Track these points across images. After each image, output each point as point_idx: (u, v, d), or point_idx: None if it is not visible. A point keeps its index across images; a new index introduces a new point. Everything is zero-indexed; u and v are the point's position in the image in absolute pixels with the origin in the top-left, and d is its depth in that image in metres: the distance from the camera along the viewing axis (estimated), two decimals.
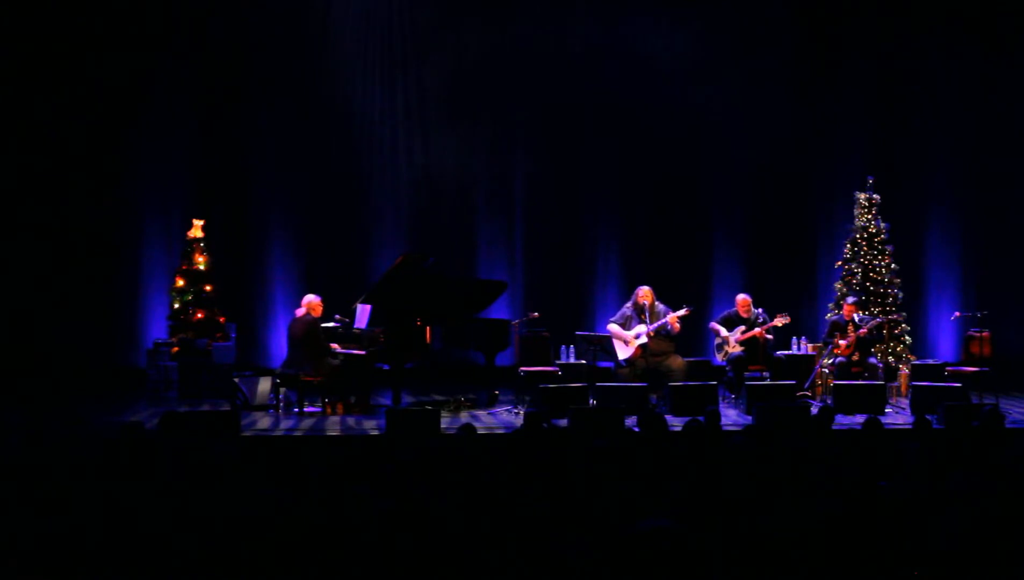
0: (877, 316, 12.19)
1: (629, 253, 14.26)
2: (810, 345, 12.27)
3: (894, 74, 14.37)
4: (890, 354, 12.55)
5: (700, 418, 7.63)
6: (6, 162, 13.09)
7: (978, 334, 12.04)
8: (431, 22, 14.02)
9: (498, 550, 4.82)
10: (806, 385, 11.62)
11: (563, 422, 9.68)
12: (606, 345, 11.56)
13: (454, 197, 14.11)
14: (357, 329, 11.24)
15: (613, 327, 11.56)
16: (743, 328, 11.62)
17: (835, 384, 11.09)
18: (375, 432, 9.66)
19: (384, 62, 14.02)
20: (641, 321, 11.38)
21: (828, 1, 14.34)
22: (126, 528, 5.04)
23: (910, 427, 9.22)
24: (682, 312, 11.38)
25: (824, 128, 14.38)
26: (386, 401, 11.21)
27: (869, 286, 12.65)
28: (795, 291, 13.83)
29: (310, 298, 10.99)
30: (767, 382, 11.24)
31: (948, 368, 11.99)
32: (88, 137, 13.23)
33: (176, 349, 12.02)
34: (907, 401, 11.37)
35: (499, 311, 13.00)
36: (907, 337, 12.81)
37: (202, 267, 12.45)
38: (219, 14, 13.55)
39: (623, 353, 11.44)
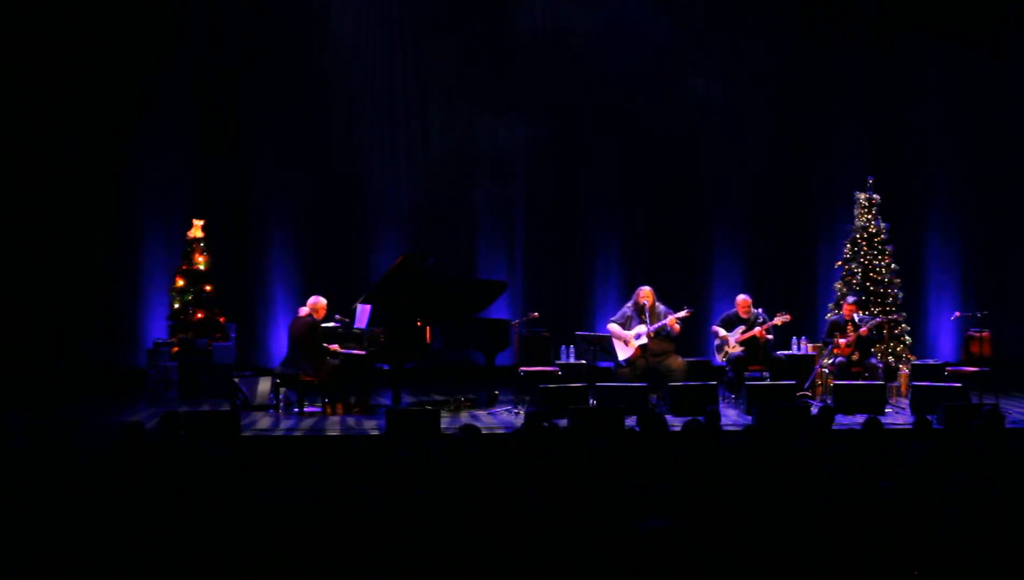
0: (877, 316, 12.19)
1: (629, 253, 14.25)
2: (810, 345, 12.27)
3: (894, 74, 14.36)
4: (890, 354, 12.55)
5: (700, 418, 7.63)
6: (6, 161, 13.07)
7: (978, 334, 12.03)
8: (430, 22, 14.00)
9: (498, 550, 4.82)
10: (806, 385, 11.62)
11: (563, 422, 9.67)
12: (606, 345, 11.56)
13: (454, 196, 14.10)
14: (357, 329, 11.23)
15: (613, 327, 11.56)
16: (743, 328, 11.61)
17: (835, 384, 11.09)
18: (375, 432, 9.66)
19: (383, 62, 14.00)
20: (641, 321, 11.38)
21: (828, 1, 14.33)
22: (126, 528, 5.04)
23: (910, 427, 9.22)
24: (682, 313, 11.38)
25: (824, 128, 14.37)
26: (386, 401, 11.21)
27: (869, 286, 12.65)
28: (795, 291, 13.81)
29: (315, 299, 10.98)
30: (767, 382, 11.24)
31: (948, 368, 11.98)
32: (88, 137, 13.20)
33: (176, 349, 12.01)
34: (907, 401, 11.37)
35: (499, 311, 12.99)
36: (907, 337, 12.81)
37: (202, 267, 12.45)
38: (219, 14, 13.53)
39: (623, 353, 11.44)
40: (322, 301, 10.96)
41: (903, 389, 12.13)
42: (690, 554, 4.22)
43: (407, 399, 11.51)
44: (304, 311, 10.94)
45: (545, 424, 7.43)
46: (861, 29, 14.28)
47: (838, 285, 12.91)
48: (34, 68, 13.08)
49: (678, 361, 11.37)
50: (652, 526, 4.07)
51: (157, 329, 12.97)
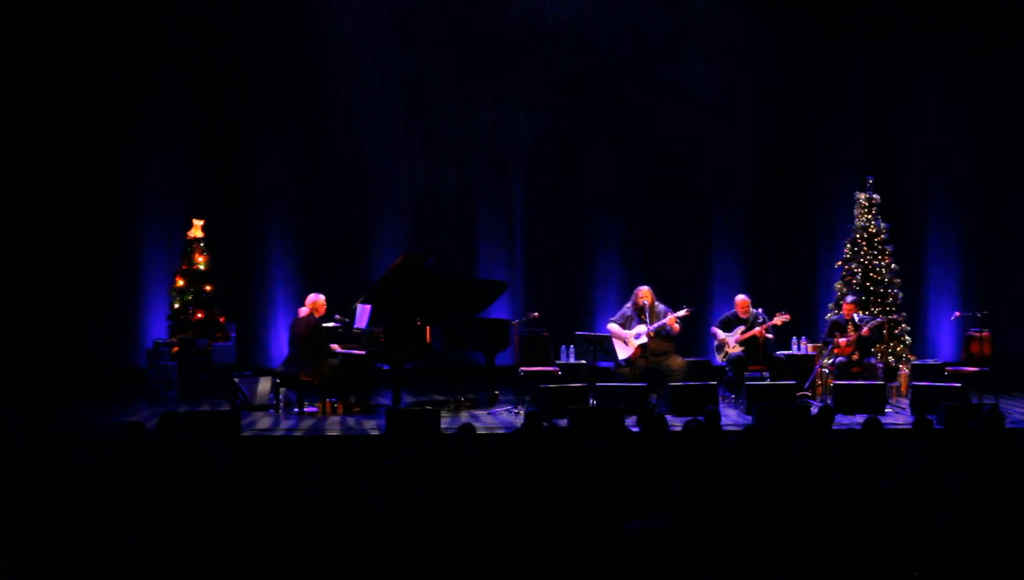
0: (877, 316, 12.19)
1: (629, 253, 14.24)
2: (810, 345, 12.27)
3: (894, 74, 14.35)
4: (890, 354, 12.55)
5: (700, 418, 7.63)
6: (6, 161, 13.06)
7: (978, 334, 12.03)
8: (429, 20, 13.99)
9: (498, 550, 4.82)
10: (806, 385, 11.62)
11: (563, 422, 9.67)
12: (606, 345, 11.55)
13: (454, 196, 14.09)
14: (357, 329, 11.23)
15: (613, 327, 11.56)
16: (743, 328, 11.62)
17: (835, 384, 11.09)
18: (375, 432, 9.66)
19: (384, 61, 14.01)
20: (641, 321, 11.38)
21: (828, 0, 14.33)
22: (126, 528, 5.04)
23: (910, 427, 9.22)
24: (682, 313, 11.38)
25: (824, 128, 14.36)
26: (386, 401, 11.21)
27: (869, 286, 12.65)
28: (795, 291, 13.81)
29: (314, 297, 10.99)
30: (767, 382, 11.24)
31: (948, 368, 11.98)
32: (88, 137, 13.20)
33: (176, 349, 12.02)
34: (907, 401, 11.37)
35: (499, 311, 12.99)
36: (907, 337, 12.81)
37: (202, 267, 12.45)
38: (219, 14, 13.53)
39: (623, 353, 11.44)
40: (321, 298, 10.96)
41: (903, 389, 12.13)
42: (674, 553, 4.23)
43: (407, 399, 11.51)
44: (304, 311, 10.94)
45: (545, 424, 7.43)
46: (861, 28, 14.26)
47: (838, 285, 12.92)
48: (34, 68, 13.07)
49: (678, 361, 11.37)
50: (639, 526, 4.08)
51: (157, 329, 12.97)
